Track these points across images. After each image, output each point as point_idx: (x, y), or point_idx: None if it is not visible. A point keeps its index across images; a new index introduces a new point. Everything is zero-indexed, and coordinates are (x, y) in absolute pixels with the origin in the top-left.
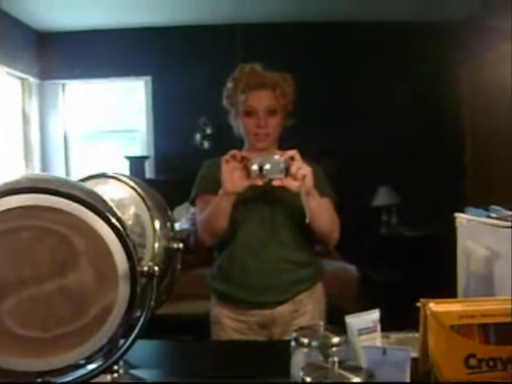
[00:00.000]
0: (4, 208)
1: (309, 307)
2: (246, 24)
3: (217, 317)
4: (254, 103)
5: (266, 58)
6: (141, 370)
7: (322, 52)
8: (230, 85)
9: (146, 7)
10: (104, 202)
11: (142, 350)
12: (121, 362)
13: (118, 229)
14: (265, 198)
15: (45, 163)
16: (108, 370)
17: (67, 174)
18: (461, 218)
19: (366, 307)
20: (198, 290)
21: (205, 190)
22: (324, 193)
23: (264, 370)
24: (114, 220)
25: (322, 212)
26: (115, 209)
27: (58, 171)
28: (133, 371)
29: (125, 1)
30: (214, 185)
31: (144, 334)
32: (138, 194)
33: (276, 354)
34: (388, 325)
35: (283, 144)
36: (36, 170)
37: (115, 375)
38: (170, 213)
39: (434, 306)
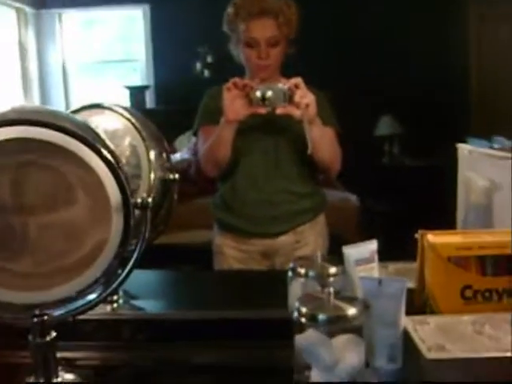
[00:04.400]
0: None
1: (310, 238)
2: None
3: (219, 246)
4: (255, 34)
5: None
6: (141, 300)
7: None
8: (230, 10)
9: None
10: (96, 134)
11: (143, 280)
12: (121, 293)
13: (110, 161)
14: (268, 128)
15: (44, 95)
16: (107, 300)
17: (67, 105)
18: (462, 148)
19: (366, 237)
20: (200, 220)
21: (207, 120)
22: (327, 122)
23: (264, 300)
24: (105, 152)
25: (324, 142)
26: (108, 141)
27: (57, 103)
28: (133, 302)
29: None
30: (216, 114)
31: (145, 265)
32: (133, 124)
33: (277, 283)
34: (388, 255)
35: (285, 72)
36: (35, 102)
37: (115, 305)
38: (165, 143)
39: (432, 238)
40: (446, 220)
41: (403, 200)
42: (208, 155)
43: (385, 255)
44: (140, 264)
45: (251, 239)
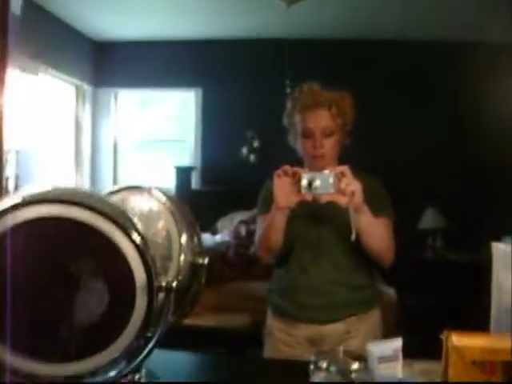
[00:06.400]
0: (27, 217)
1: (361, 331)
2: (294, 39)
3: (269, 328)
4: (309, 124)
5: (314, 74)
6: (163, 380)
7: (370, 69)
8: (288, 104)
9: (199, 20)
10: (128, 217)
11: (168, 360)
12: (144, 372)
13: (138, 245)
14: (316, 216)
15: (94, 170)
16: (128, 379)
17: (115, 181)
18: (497, 246)
19: (403, 332)
20: (236, 304)
21: (264, 210)
22: (380, 211)
23: None
24: (135, 235)
25: (373, 230)
26: (139, 225)
27: (106, 178)
28: (155, 381)
29: (179, 13)
30: (272, 205)
31: (175, 346)
32: (168, 208)
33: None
34: (425, 351)
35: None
36: (85, 176)
37: None
38: (198, 228)
39: (456, 340)
40: (484, 319)
41: (445, 295)
42: (261, 241)
43: (420, 352)
44: (169, 344)
45: (299, 324)
